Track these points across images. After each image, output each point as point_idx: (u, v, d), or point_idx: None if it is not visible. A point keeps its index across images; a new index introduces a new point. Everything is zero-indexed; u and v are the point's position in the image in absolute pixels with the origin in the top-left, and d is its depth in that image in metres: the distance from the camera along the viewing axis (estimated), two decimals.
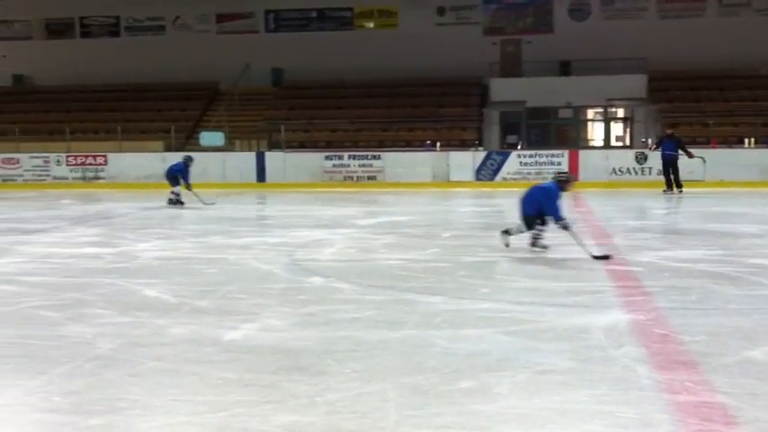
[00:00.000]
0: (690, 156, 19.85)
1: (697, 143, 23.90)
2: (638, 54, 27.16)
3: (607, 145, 29.01)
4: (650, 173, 22.84)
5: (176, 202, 17.21)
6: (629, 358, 5.00)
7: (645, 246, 10.36)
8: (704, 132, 24.64)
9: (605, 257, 8.85)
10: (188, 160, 17.82)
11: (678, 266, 8.63)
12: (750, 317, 6.22)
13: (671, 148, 19.99)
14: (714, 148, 23.41)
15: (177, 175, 17.45)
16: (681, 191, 19.64)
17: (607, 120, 29.75)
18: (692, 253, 9.68)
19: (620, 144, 29.02)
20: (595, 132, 30.63)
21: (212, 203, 17.25)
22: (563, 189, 9.49)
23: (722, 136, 24.04)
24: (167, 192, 17.56)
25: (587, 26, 29.86)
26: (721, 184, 21.70)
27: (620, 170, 23.21)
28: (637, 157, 23.38)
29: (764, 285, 7.49)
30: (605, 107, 28.86)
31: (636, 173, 23.08)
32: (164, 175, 18.19)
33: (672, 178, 19.88)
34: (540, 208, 9.43)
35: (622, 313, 6.33)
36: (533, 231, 9.56)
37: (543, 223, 9.53)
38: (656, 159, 22.65)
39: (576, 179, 9.90)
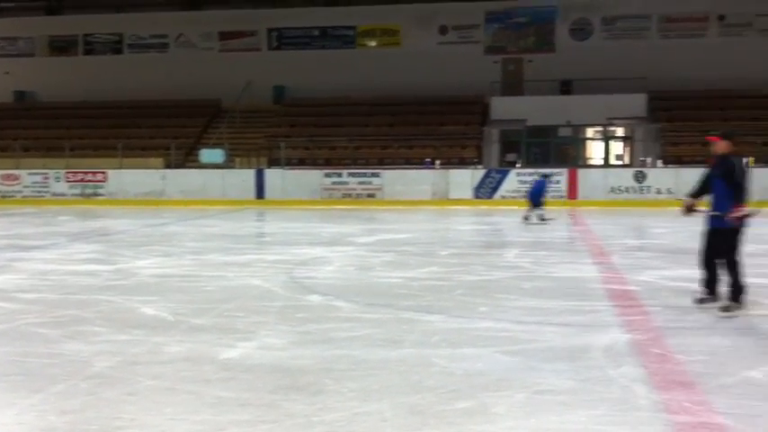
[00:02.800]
0: None
1: (696, 162, 23.90)
2: (639, 73, 27.25)
3: (606, 164, 29.05)
4: (649, 191, 22.89)
5: None
6: (628, 378, 4.98)
7: (643, 265, 10.35)
8: (704, 152, 24.66)
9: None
10: None
11: (676, 285, 8.62)
12: (749, 337, 6.21)
13: None
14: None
15: None
16: None
17: (607, 138, 29.82)
18: (691, 272, 9.66)
19: (619, 163, 29.04)
20: (595, 151, 30.69)
21: None
22: None
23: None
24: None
25: (589, 46, 30.00)
26: None
27: (619, 189, 23.21)
28: (636, 176, 23.42)
29: (763, 305, 7.47)
30: (605, 126, 28.91)
31: (635, 191, 23.09)
32: None
33: None
34: None
35: (621, 333, 6.31)
36: None
37: None
38: (654, 178, 22.79)
39: None
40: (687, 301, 7.65)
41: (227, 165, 26.76)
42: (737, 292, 7.03)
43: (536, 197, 17.42)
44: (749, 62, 27.59)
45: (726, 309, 7.02)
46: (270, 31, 33.12)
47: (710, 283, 7.25)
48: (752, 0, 28.98)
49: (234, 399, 4.62)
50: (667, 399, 4.58)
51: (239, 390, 4.79)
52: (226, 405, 4.51)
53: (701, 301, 7.26)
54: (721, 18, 29.41)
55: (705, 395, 4.64)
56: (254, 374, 5.15)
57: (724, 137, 7.30)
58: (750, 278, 9.03)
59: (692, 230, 15.19)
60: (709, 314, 7.08)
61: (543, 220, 17.13)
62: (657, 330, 6.41)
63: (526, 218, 17.25)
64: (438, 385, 4.87)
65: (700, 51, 28.59)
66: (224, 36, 33.45)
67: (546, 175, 19.22)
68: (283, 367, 5.33)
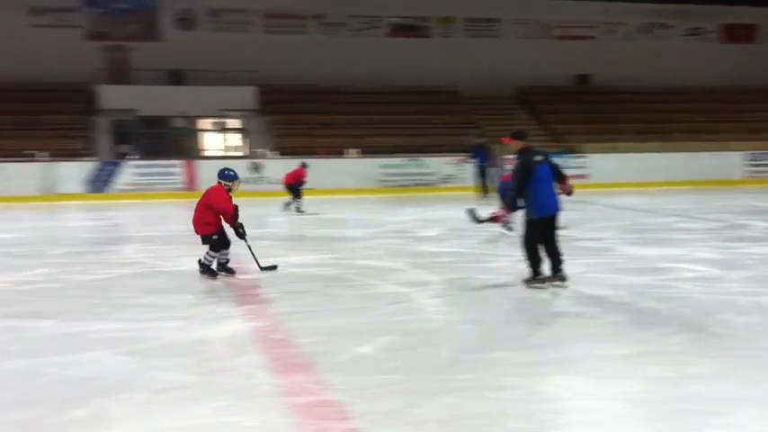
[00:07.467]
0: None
1: (304, 153, 25.22)
2: (249, 66, 27.89)
3: (223, 155, 29.34)
4: (264, 182, 23.67)
5: None
6: (251, 366, 5.07)
7: (263, 253, 10.60)
8: (312, 143, 26.11)
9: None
10: None
11: (294, 272, 9.00)
12: (360, 315, 6.70)
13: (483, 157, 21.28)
14: (320, 157, 24.94)
15: None
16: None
17: (222, 130, 30.11)
18: (307, 258, 10.19)
19: (239, 154, 29.45)
20: (212, 142, 30.80)
21: None
22: None
23: (328, 146, 25.69)
24: None
25: (196, 36, 29.83)
26: (330, 191, 23.27)
27: None
28: (252, 167, 24.05)
29: (371, 285, 8.10)
30: (219, 118, 29.14)
31: (252, 182, 23.66)
32: None
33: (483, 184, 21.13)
34: None
35: (243, 322, 6.41)
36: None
37: None
38: (271, 168, 23.60)
39: None
40: (305, 286, 8.03)
41: None
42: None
43: None
44: (344, 60, 29.75)
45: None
46: None
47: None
48: (346, 1, 31.18)
49: None
50: (288, 382, 4.74)
51: None
52: None
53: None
54: (319, 17, 31.28)
55: (322, 374, 4.89)
56: None
57: (513, 137, 7.64)
58: (362, 260, 9.81)
59: (308, 219, 16.11)
60: (325, 297, 7.51)
61: None
62: (277, 316, 6.62)
63: None
64: (51, 396, 4.50)
65: (300, 48, 30.13)
66: None
67: None
68: None
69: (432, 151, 25.31)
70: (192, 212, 8.62)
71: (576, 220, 14.85)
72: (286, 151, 25.54)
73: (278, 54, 29.35)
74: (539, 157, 7.53)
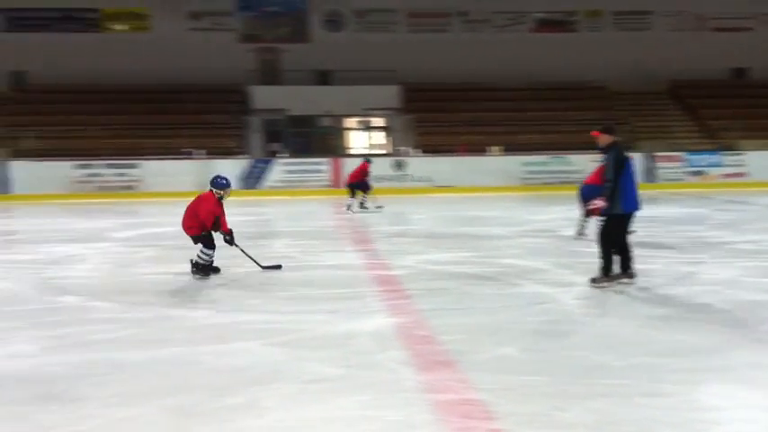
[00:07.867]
0: None
1: (446, 151, 25.29)
2: (392, 66, 28.23)
3: (368, 153, 29.82)
4: (407, 179, 23.91)
5: None
6: (394, 361, 5.14)
7: (405, 250, 10.76)
8: (454, 141, 26.12)
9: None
10: None
11: (436, 269, 9.05)
12: (502, 314, 6.65)
13: None
14: (463, 155, 24.91)
15: None
16: None
17: (366, 128, 30.64)
18: (449, 255, 10.20)
19: (383, 152, 29.92)
20: (356, 140, 31.44)
21: None
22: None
23: (470, 144, 25.62)
24: None
25: (343, 37, 30.53)
26: (471, 189, 23.18)
27: (380, 177, 23.96)
28: (396, 164, 24.34)
29: (514, 284, 8.03)
30: (363, 116, 29.68)
31: (395, 179, 23.98)
32: None
33: None
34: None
35: (386, 317, 6.51)
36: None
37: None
38: (413, 166, 23.78)
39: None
40: (447, 284, 8.06)
41: None
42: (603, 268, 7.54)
43: None
44: (487, 57, 29.53)
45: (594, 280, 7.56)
46: (1, 11, 30.01)
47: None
48: None
49: None
50: (431, 379, 4.77)
51: None
52: None
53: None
54: (463, 14, 31.23)
55: (465, 373, 4.89)
56: (3, 386, 4.71)
57: (604, 131, 7.68)
58: (505, 259, 9.73)
59: (448, 216, 16.14)
60: (467, 295, 7.51)
61: None
62: (420, 313, 6.68)
63: None
64: (206, 383, 4.73)
65: (444, 45, 30.15)
66: None
67: None
68: (37, 375, 4.93)
69: (577, 148, 24.71)
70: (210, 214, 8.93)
71: (731, 221, 14.13)
72: (429, 149, 25.69)
73: (421, 52, 29.53)
74: (627, 153, 7.51)
